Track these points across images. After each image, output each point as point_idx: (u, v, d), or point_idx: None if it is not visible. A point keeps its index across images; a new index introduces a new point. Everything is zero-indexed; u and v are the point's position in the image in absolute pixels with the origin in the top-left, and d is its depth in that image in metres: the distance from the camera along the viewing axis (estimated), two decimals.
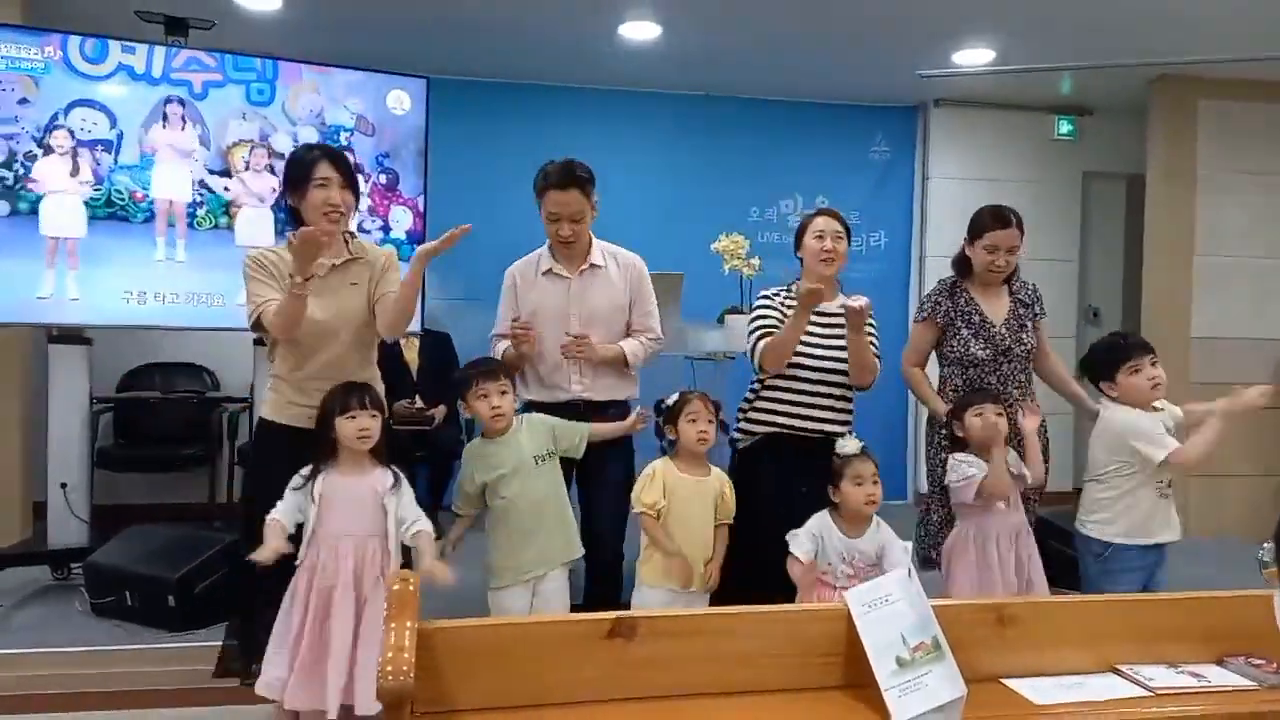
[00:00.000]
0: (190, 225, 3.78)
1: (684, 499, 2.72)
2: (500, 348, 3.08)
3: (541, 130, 5.37)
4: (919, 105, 6.02)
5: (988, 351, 3.05)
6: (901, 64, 5.05)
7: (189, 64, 3.79)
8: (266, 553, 2.35)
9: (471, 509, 2.79)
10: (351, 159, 3.88)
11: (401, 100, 4.15)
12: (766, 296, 3.10)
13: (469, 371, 2.80)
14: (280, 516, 2.44)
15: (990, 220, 3.08)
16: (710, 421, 2.74)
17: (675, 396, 2.81)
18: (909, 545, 2.65)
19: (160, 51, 3.76)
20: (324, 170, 2.57)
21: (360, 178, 3.90)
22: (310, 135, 3.90)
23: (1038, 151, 6.05)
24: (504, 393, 2.76)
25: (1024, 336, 3.10)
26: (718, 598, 2.76)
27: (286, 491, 2.45)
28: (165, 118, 3.74)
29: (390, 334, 2.70)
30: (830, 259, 3.00)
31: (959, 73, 5.19)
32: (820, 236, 3.01)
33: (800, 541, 2.62)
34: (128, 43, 3.71)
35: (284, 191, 2.69)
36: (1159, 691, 1.94)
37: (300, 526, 2.45)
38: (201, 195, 3.80)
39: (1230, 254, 5.40)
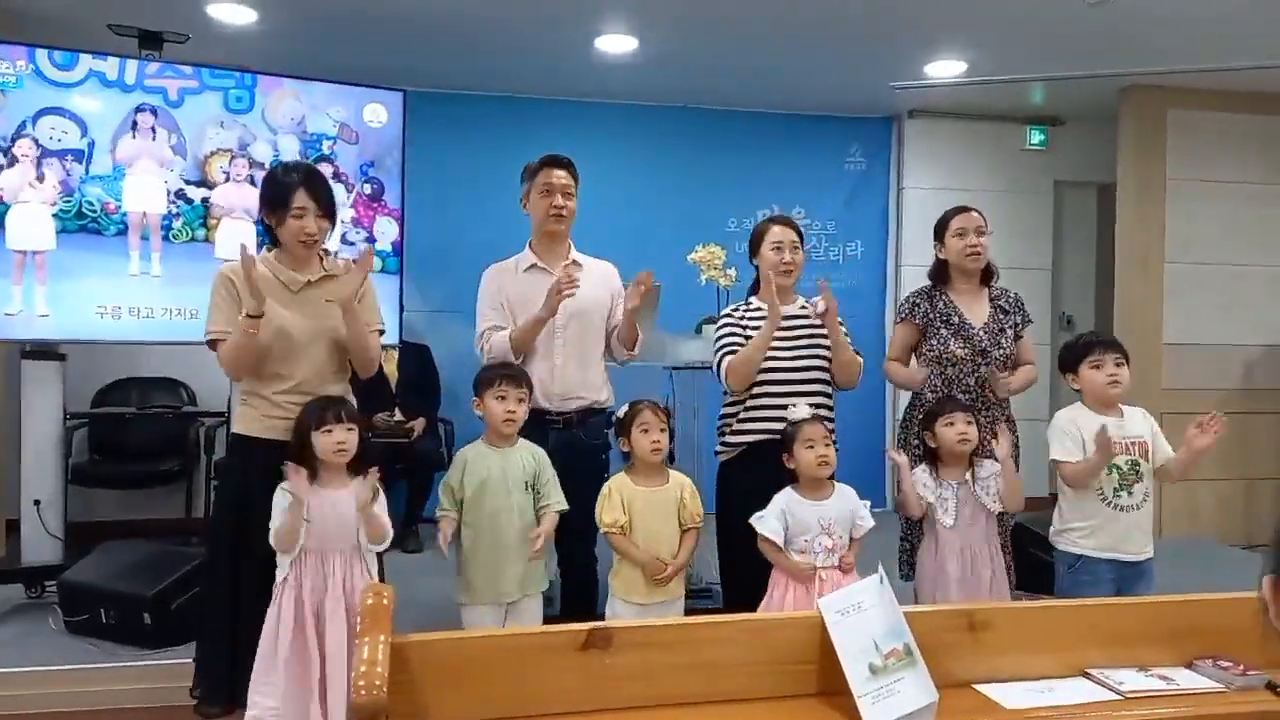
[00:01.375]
0: (166, 238, 3.75)
1: (644, 510, 2.72)
2: (496, 339, 3.05)
3: (519, 142, 5.28)
4: (893, 116, 6.09)
5: (966, 351, 3.09)
6: (875, 76, 5.10)
7: (163, 70, 3.76)
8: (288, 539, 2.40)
9: (454, 509, 2.74)
10: (333, 169, 3.94)
11: (378, 113, 4.15)
12: (727, 314, 3.11)
13: (493, 371, 2.79)
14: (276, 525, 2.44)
15: (950, 212, 3.22)
16: (663, 430, 2.75)
17: (624, 407, 2.80)
18: (867, 502, 2.71)
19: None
20: (300, 199, 2.56)
21: (343, 187, 3.94)
22: (291, 143, 3.88)
23: (1010, 161, 6.12)
24: (521, 400, 2.76)
25: (1002, 340, 3.14)
26: (705, 606, 2.76)
27: (275, 513, 2.43)
28: (135, 126, 3.68)
29: (364, 374, 2.74)
30: (789, 270, 3.02)
31: (932, 84, 5.25)
32: (778, 248, 3.02)
33: (766, 521, 2.64)
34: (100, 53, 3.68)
35: (263, 210, 2.66)
36: (1129, 695, 1.96)
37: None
38: (178, 207, 3.76)
39: (1200, 261, 5.48)
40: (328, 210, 2.64)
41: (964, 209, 3.21)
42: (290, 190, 2.57)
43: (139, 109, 3.70)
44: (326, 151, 3.95)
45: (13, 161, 3.56)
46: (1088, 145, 6.09)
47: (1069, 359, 2.87)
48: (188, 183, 3.76)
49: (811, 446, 2.67)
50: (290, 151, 3.86)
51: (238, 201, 3.81)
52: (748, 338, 2.98)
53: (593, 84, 5.36)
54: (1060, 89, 5.48)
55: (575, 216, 3.13)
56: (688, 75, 5.22)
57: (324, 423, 2.45)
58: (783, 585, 2.64)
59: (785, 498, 2.69)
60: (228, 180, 3.81)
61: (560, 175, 3.08)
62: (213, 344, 2.61)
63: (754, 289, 3.17)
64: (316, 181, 2.64)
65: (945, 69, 5.07)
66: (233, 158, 3.82)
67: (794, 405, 2.79)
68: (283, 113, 3.88)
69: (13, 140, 3.56)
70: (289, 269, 2.63)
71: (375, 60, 4.76)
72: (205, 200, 3.80)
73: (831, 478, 2.72)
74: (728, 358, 3.00)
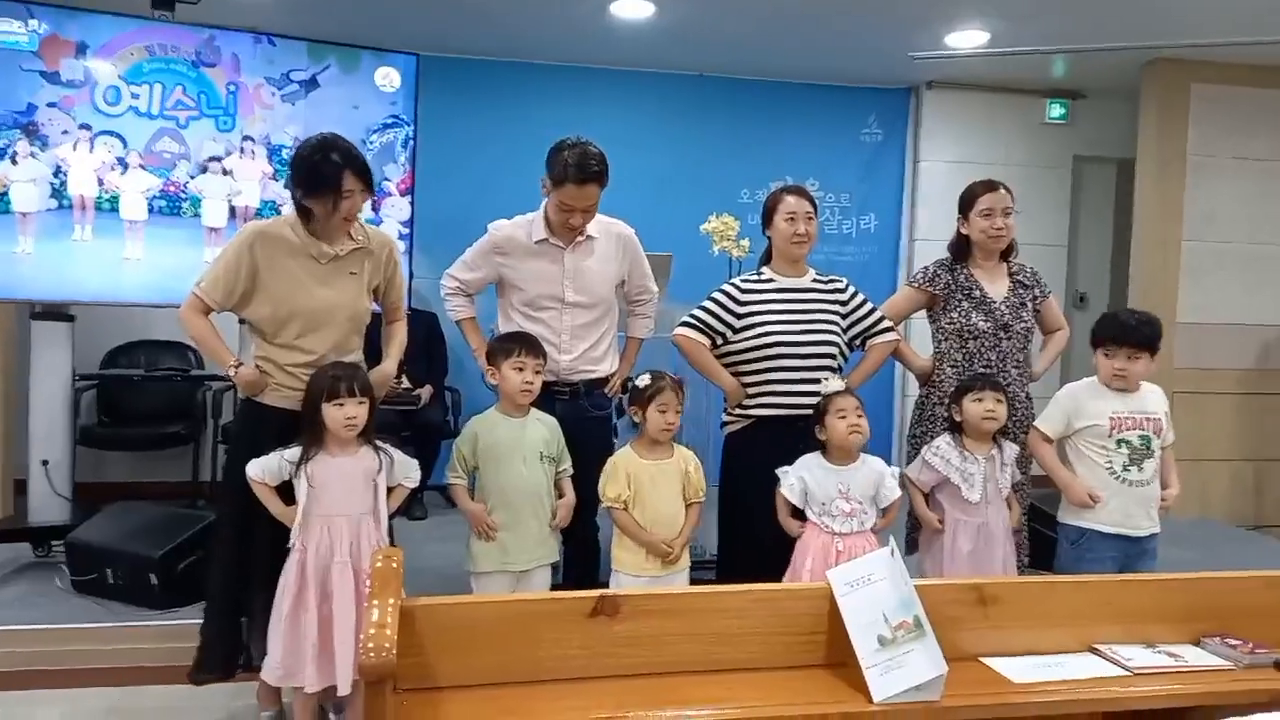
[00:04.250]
0: (177, 214, 3.80)
1: (649, 484, 2.70)
2: (454, 308, 3.13)
3: (532, 109, 5.33)
4: (911, 87, 6.00)
5: (988, 324, 3.06)
6: (894, 46, 5.02)
7: (177, 105, 3.81)
8: (286, 519, 2.45)
9: (461, 476, 2.74)
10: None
11: (390, 77, 4.11)
12: (727, 288, 3.05)
13: (512, 341, 2.77)
14: (263, 478, 2.46)
15: (979, 187, 3.14)
16: (678, 412, 2.73)
17: (646, 378, 2.77)
18: (895, 470, 2.70)
19: (159, 89, 3.76)
20: (350, 183, 2.51)
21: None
22: (261, 153, 3.92)
23: (1029, 135, 6.04)
24: (538, 372, 2.74)
25: (1023, 315, 3.11)
26: (709, 578, 2.76)
27: (273, 455, 2.45)
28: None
29: None
30: (802, 241, 2.99)
31: (951, 55, 5.17)
32: (792, 219, 2.98)
33: (787, 476, 2.69)
34: (135, 88, 3.73)
35: (299, 191, 2.55)
36: (1137, 671, 1.96)
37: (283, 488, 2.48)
38: (185, 194, 3.82)
39: (1219, 239, 5.41)
40: (370, 184, 2.60)
41: (993, 186, 3.13)
42: (338, 173, 2.49)
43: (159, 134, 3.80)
44: (285, 157, 3.95)
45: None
46: (1108, 120, 6.00)
47: (1094, 337, 2.85)
48: (191, 177, 3.84)
49: (844, 416, 2.67)
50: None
51: (217, 189, 3.90)
52: (726, 324, 2.97)
53: (607, 50, 5.29)
54: (1082, 62, 5.39)
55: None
56: (703, 43, 5.15)
57: (335, 395, 2.43)
58: (805, 555, 2.63)
59: (809, 461, 2.71)
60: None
61: (583, 195, 2.87)
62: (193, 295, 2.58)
63: (766, 258, 3.13)
64: (356, 158, 2.56)
65: (966, 39, 4.99)
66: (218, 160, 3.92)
67: (826, 378, 2.80)
68: (256, 132, 3.93)
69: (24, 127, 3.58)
70: (319, 240, 2.59)
71: (388, 23, 4.71)
72: (200, 190, 3.87)
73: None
74: (692, 333, 2.99)
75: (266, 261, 2.55)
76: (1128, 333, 2.77)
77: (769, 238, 3.09)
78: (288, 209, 2.68)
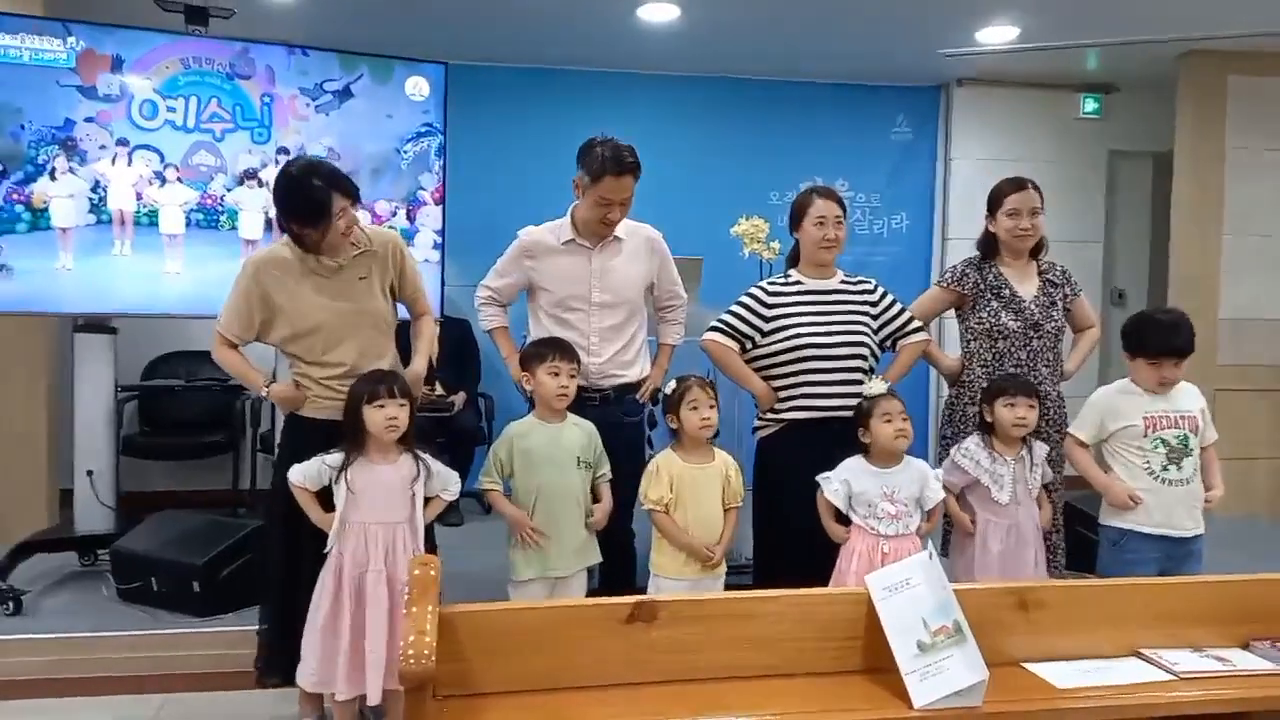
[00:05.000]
0: (215, 228, 3.85)
1: (690, 487, 2.70)
2: (487, 317, 3.14)
3: (560, 114, 5.35)
4: (941, 85, 5.95)
5: (1018, 323, 3.02)
6: (923, 43, 4.98)
7: (212, 117, 3.86)
8: (325, 525, 2.47)
9: (497, 482, 2.75)
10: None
11: (420, 86, 4.15)
12: (756, 291, 3.04)
13: (547, 346, 2.78)
14: (303, 483, 2.49)
15: (1007, 186, 3.11)
16: (712, 406, 2.73)
17: (672, 384, 2.78)
18: (939, 472, 2.68)
19: (194, 102, 3.81)
20: (339, 203, 2.52)
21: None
22: None
23: (1062, 130, 5.97)
24: (573, 376, 2.75)
25: (1053, 314, 3.08)
26: (745, 583, 2.75)
27: (314, 460, 2.48)
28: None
29: None
30: (831, 246, 2.97)
31: (982, 51, 5.12)
32: (822, 223, 2.96)
33: (830, 482, 2.67)
34: (171, 101, 3.78)
35: (292, 223, 2.54)
36: (1183, 675, 1.92)
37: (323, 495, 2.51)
38: (222, 207, 3.87)
39: (1260, 233, 5.31)
40: (356, 194, 2.60)
41: (1021, 185, 3.09)
42: (326, 198, 2.49)
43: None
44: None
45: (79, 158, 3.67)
46: (1144, 113, 5.91)
47: (1129, 343, 2.81)
48: (228, 190, 3.89)
49: (889, 420, 2.65)
50: None
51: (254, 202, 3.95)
52: (754, 328, 2.96)
53: (634, 54, 5.30)
54: (1116, 55, 5.31)
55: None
56: (730, 44, 5.14)
57: (376, 396, 2.46)
58: (850, 559, 2.62)
59: (852, 464, 2.69)
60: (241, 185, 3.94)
61: (621, 188, 2.89)
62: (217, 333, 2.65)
63: (793, 260, 3.12)
64: (339, 177, 2.56)
65: (997, 35, 4.94)
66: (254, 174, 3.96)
67: (870, 382, 2.79)
68: (290, 142, 3.95)
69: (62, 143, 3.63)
70: (318, 255, 2.59)
71: (416, 33, 4.75)
72: (237, 203, 3.92)
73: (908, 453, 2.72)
74: (721, 338, 2.99)
75: (275, 286, 2.58)
76: (1174, 343, 2.73)
77: (796, 239, 3.07)
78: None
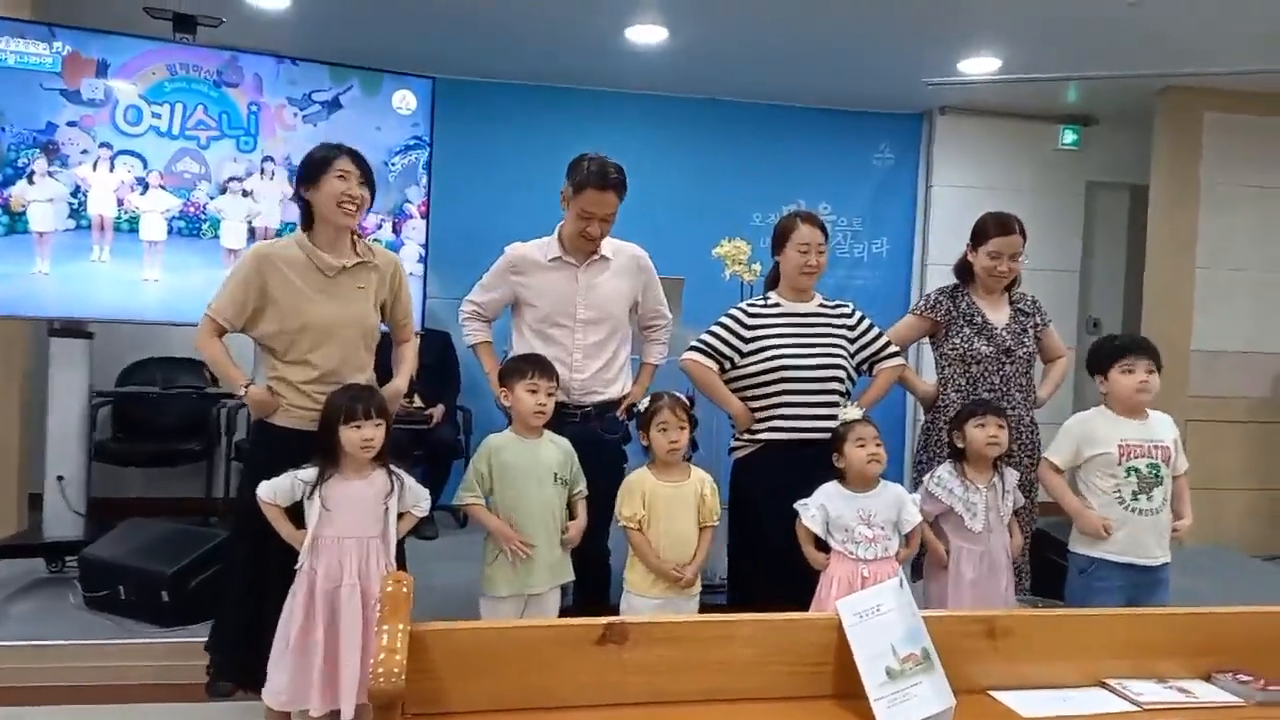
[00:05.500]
0: (197, 235, 3.84)
1: (664, 505, 2.71)
2: (472, 332, 3.15)
3: (546, 132, 5.37)
4: (924, 112, 6.02)
5: (990, 349, 3.06)
6: (907, 71, 5.05)
7: (198, 125, 3.85)
8: (295, 541, 2.45)
9: (480, 497, 2.74)
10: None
11: (407, 100, 4.16)
12: (735, 313, 3.07)
13: (526, 363, 2.79)
14: (274, 499, 2.46)
15: (993, 227, 3.12)
16: (681, 428, 2.73)
17: (645, 401, 2.81)
18: (916, 497, 2.69)
19: (180, 109, 3.81)
20: (344, 164, 2.58)
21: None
22: (281, 174, 3.94)
23: (1042, 160, 6.05)
24: (551, 394, 2.76)
25: (1025, 340, 3.12)
26: (719, 602, 2.76)
27: (285, 475, 2.46)
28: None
29: None
30: (812, 273, 3.01)
31: (964, 81, 5.19)
32: (805, 250, 2.99)
33: (807, 508, 2.67)
34: (156, 107, 3.78)
35: (298, 188, 2.66)
36: (1146, 706, 1.93)
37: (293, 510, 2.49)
38: (205, 215, 3.86)
39: (1232, 267, 5.40)
40: (368, 181, 2.64)
41: (1009, 230, 3.09)
42: (333, 158, 2.59)
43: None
44: None
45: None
46: (1121, 146, 6.01)
47: (1099, 360, 2.84)
48: (210, 198, 3.90)
49: (863, 445, 2.67)
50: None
51: (236, 209, 3.95)
52: (734, 349, 2.99)
53: (621, 74, 5.34)
54: (1095, 88, 5.41)
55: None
56: (717, 67, 5.19)
57: (353, 417, 2.45)
58: (829, 585, 2.62)
59: (828, 489, 2.70)
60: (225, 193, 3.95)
61: (603, 201, 2.94)
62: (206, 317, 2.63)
63: (772, 282, 3.14)
64: (358, 154, 2.65)
65: (979, 66, 5.01)
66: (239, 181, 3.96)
67: (845, 407, 2.80)
68: (277, 151, 3.96)
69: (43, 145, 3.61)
70: (324, 252, 2.62)
71: (405, 47, 4.77)
72: (219, 210, 3.91)
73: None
74: (700, 358, 3.01)
75: (274, 278, 2.59)
76: (1141, 344, 2.80)
77: (777, 262, 3.10)
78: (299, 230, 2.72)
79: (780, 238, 3.07)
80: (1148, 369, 2.75)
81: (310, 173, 2.61)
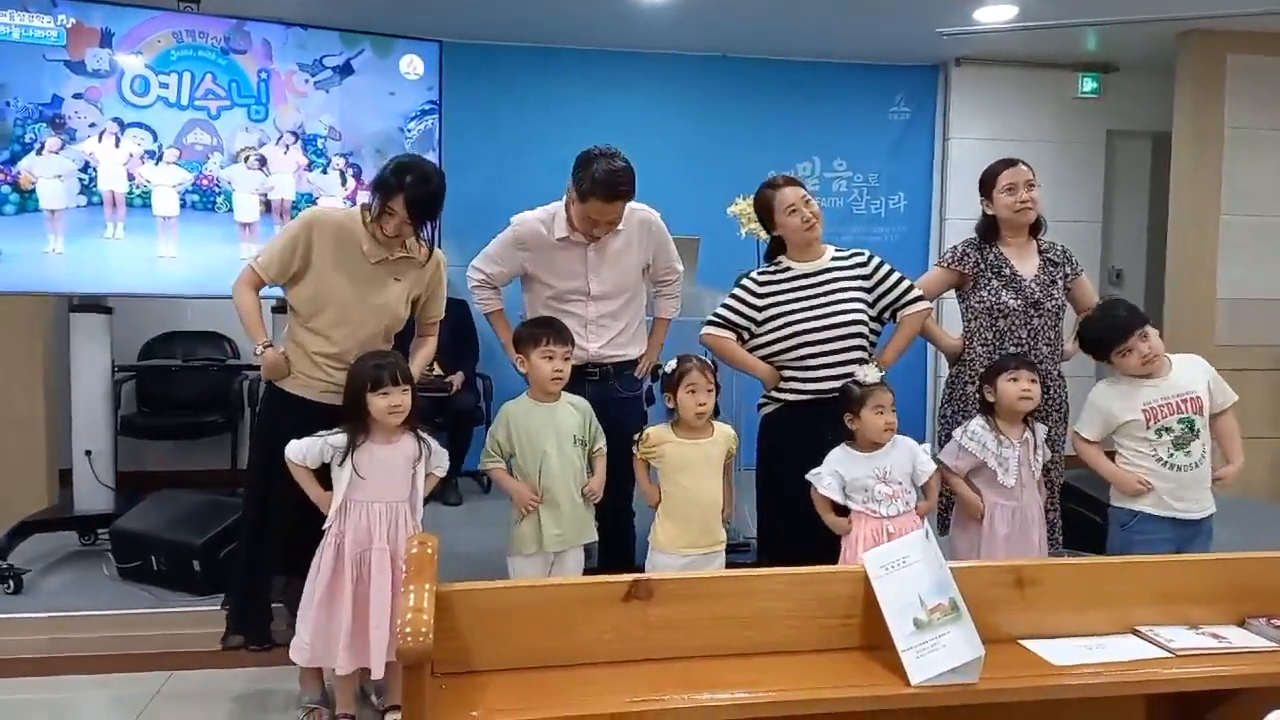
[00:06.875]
0: (211, 209, 3.81)
1: (686, 464, 2.72)
2: (483, 301, 3.12)
3: (556, 94, 5.32)
4: (939, 64, 5.92)
5: (1018, 301, 3.02)
6: (922, 22, 4.94)
7: (207, 94, 3.81)
8: (323, 504, 2.48)
9: (500, 461, 2.75)
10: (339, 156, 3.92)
11: (414, 65, 4.11)
12: (747, 283, 3.02)
13: (540, 329, 2.77)
14: (303, 460, 2.48)
15: (997, 165, 3.12)
16: (710, 390, 2.72)
17: (673, 363, 2.77)
18: (926, 446, 2.71)
19: (188, 78, 3.76)
20: (397, 207, 2.55)
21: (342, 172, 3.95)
22: (297, 149, 3.89)
23: (1061, 110, 5.94)
24: (567, 359, 2.76)
25: (1054, 292, 3.06)
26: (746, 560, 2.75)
27: (315, 438, 2.48)
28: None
29: None
30: (812, 225, 2.94)
31: (980, 30, 5.08)
32: (793, 210, 2.92)
33: (822, 479, 2.65)
34: (163, 77, 3.72)
35: (373, 186, 2.69)
36: (1179, 653, 1.93)
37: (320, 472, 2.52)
38: (219, 188, 3.82)
39: (1258, 213, 5.30)
40: (419, 222, 2.61)
41: (1011, 162, 3.10)
42: (391, 194, 2.55)
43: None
44: (321, 148, 3.93)
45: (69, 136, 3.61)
46: (1142, 93, 5.89)
47: (1098, 353, 2.83)
48: (222, 169, 3.85)
49: (881, 412, 2.63)
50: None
51: (251, 183, 3.89)
52: (749, 319, 2.96)
53: (630, 34, 5.26)
54: (1115, 34, 5.28)
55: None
56: (728, 24, 5.10)
57: (380, 384, 2.46)
58: (855, 545, 2.59)
59: (838, 455, 2.67)
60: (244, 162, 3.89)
61: (608, 211, 2.87)
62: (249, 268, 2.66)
63: (771, 252, 3.09)
64: (418, 195, 2.56)
65: (995, 14, 4.90)
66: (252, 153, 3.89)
67: (864, 369, 2.74)
68: (288, 121, 3.89)
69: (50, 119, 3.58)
70: (373, 239, 2.63)
71: (410, 11, 4.71)
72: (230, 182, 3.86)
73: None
74: (718, 330, 2.99)
75: (319, 245, 2.62)
76: (1120, 322, 2.75)
77: (772, 236, 3.06)
78: (335, 202, 2.73)
79: (765, 211, 3.01)
80: (1142, 336, 2.72)
81: (374, 188, 2.63)
